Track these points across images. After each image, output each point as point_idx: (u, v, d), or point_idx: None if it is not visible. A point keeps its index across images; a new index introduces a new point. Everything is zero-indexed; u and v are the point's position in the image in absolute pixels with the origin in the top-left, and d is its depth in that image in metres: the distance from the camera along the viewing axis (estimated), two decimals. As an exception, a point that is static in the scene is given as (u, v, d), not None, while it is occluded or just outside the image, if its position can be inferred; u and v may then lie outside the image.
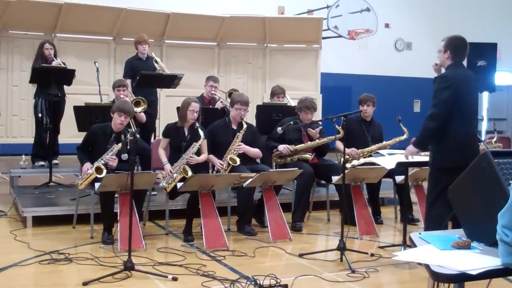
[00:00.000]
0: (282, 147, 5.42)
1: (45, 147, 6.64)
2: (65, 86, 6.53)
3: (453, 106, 3.73)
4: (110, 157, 4.67)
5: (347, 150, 5.19)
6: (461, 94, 3.74)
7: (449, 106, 3.71)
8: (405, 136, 5.65)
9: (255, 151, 5.34)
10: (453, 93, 3.71)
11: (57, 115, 6.49)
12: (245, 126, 5.26)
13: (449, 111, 3.72)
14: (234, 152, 5.16)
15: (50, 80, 6.12)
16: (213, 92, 6.44)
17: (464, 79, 3.82)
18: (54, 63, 6.41)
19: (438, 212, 3.73)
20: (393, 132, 5.78)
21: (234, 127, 5.33)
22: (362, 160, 5.55)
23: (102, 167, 4.61)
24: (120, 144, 4.60)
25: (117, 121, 4.76)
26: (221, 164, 5.11)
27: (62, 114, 6.61)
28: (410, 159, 4.03)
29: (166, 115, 7.58)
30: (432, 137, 3.81)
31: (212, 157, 5.18)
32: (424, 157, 4.59)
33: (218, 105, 6.21)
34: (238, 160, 5.09)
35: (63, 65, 6.45)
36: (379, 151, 5.29)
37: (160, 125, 7.17)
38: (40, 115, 6.37)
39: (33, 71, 6.17)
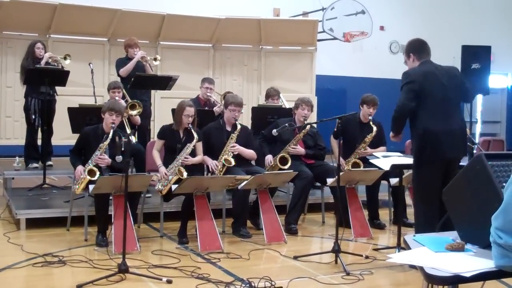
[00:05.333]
0: (266, 161, 5.43)
1: (37, 148, 6.61)
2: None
3: (418, 101, 3.89)
4: (98, 157, 4.66)
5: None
6: (426, 89, 3.89)
7: (410, 100, 3.90)
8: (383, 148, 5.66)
9: (250, 153, 5.34)
10: (415, 88, 3.89)
11: (50, 115, 6.45)
12: (239, 127, 5.25)
13: (413, 103, 3.89)
14: (229, 153, 5.16)
15: (44, 81, 6.09)
16: (208, 94, 6.44)
17: (427, 73, 3.95)
18: (46, 55, 6.36)
19: (417, 210, 3.98)
20: (387, 135, 5.80)
21: (228, 128, 5.33)
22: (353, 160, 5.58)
23: (95, 169, 4.61)
24: (106, 142, 4.62)
25: (109, 120, 4.74)
26: (216, 165, 5.11)
27: (54, 113, 6.58)
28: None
29: (161, 117, 7.57)
30: (396, 125, 4.04)
31: (206, 158, 5.18)
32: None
33: (216, 110, 6.18)
34: (232, 161, 5.09)
35: (55, 58, 6.42)
36: (374, 153, 5.29)
37: (155, 126, 7.15)
38: (33, 116, 6.32)
39: (27, 72, 6.13)
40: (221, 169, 5.10)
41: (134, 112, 5.76)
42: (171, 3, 9.35)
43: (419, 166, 3.97)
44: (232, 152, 5.17)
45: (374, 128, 5.58)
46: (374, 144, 5.66)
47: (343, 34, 9.77)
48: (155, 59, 6.64)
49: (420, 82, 3.89)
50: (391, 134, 4.16)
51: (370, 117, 5.61)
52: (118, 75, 6.45)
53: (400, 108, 3.97)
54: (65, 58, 6.53)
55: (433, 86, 3.91)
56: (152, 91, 7.05)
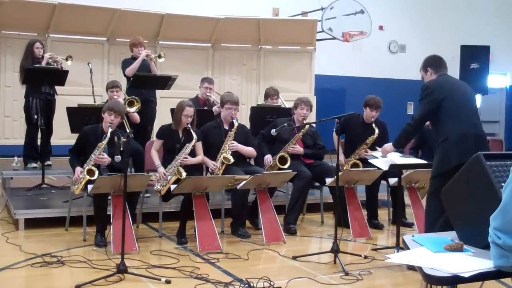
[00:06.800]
0: (266, 161, 5.45)
1: (36, 148, 6.61)
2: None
3: (441, 109, 3.91)
4: (97, 156, 4.66)
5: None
6: (447, 96, 3.92)
7: (430, 113, 3.95)
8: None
9: (249, 150, 5.33)
10: (436, 98, 3.92)
11: (49, 115, 6.45)
12: (236, 124, 5.24)
13: (431, 116, 3.94)
14: (228, 151, 5.15)
15: (43, 81, 6.09)
16: (208, 93, 6.44)
17: (446, 82, 4.01)
18: (46, 55, 6.36)
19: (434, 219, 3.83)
20: (390, 136, 5.80)
21: (226, 127, 5.33)
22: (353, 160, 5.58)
23: (94, 168, 4.61)
24: (104, 142, 4.61)
25: (107, 120, 4.74)
26: (214, 165, 5.11)
27: (54, 113, 6.57)
28: (396, 159, 4.24)
29: (160, 117, 7.56)
30: (406, 139, 4.16)
31: (206, 159, 5.17)
32: (417, 159, 4.63)
33: (215, 110, 6.18)
34: (231, 159, 5.08)
35: (55, 58, 6.41)
36: (373, 153, 5.28)
37: (154, 126, 7.14)
38: (36, 116, 6.31)
39: (26, 72, 6.13)
40: (220, 168, 5.10)
41: (132, 109, 5.75)
42: (170, 2, 9.34)
43: (445, 173, 3.78)
44: (231, 149, 5.17)
45: (376, 131, 5.57)
46: (377, 145, 5.64)
47: (342, 34, 9.76)
48: (159, 56, 6.66)
49: (440, 91, 3.93)
50: (387, 149, 4.24)
51: (373, 119, 5.60)
52: (125, 75, 6.45)
53: (417, 122, 4.02)
54: (66, 59, 6.53)
55: (453, 93, 3.96)
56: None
